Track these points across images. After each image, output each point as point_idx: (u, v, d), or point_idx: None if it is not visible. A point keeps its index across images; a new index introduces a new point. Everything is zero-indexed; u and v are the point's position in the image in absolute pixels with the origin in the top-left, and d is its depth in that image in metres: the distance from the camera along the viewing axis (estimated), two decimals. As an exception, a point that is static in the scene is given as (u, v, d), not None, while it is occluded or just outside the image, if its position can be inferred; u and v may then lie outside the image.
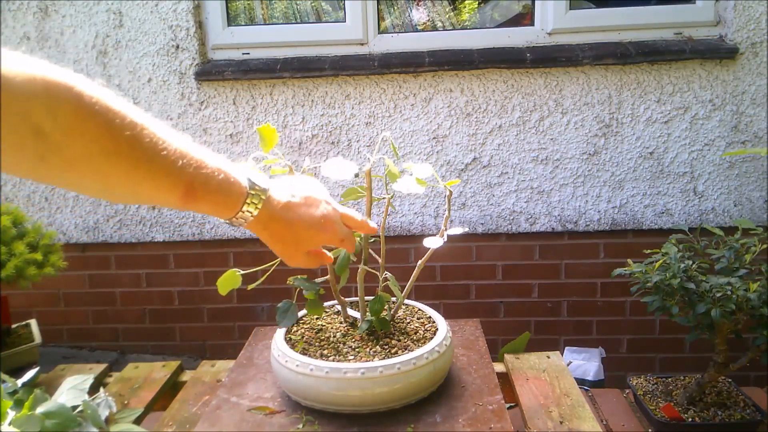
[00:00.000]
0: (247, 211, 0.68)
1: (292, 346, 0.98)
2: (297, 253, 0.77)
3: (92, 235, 2.18)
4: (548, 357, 1.32)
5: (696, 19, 1.99)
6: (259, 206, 0.69)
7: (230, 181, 0.65)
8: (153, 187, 0.58)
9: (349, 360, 0.94)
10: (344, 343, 1.00)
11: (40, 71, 0.48)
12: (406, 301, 1.14)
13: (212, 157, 0.63)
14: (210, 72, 2.02)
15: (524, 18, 2.12)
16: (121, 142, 0.54)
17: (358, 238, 1.02)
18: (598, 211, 2.06)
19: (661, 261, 1.41)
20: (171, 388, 1.33)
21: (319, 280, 1.03)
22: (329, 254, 0.84)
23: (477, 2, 2.24)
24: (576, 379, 1.27)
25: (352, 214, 0.81)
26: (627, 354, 2.18)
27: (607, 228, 2.07)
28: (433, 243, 0.93)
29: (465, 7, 2.24)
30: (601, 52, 1.94)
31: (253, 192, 0.68)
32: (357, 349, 0.97)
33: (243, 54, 2.10)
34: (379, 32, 2.07)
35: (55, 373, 1.37)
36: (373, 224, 0.85)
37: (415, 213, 2.10)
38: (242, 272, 0.94)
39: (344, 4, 2.05)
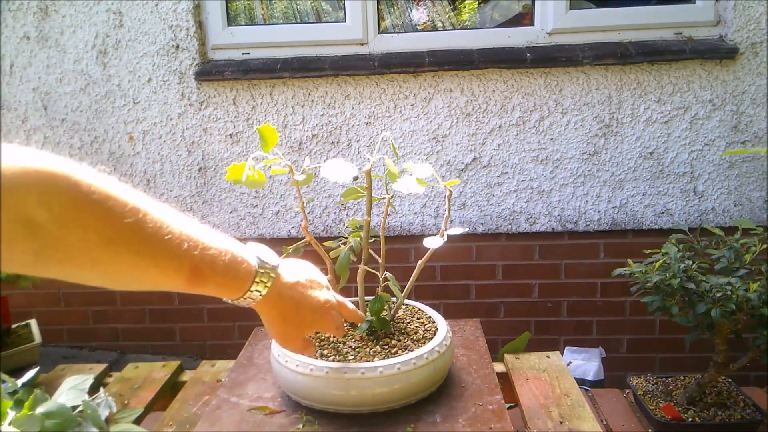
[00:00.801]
0: (256, 290, 0.68)
1: (292, 347, 0.98)
2: (297, 335, 0.78)
3: (92, 235, 2.18)
4: (548, 357, 1.32)
5: (696, 19, 1.99)
6: (269, 284, 0.69)
7: (237, 261, 0.65)
8: (157, 272, 0.57)
9: (349, 360, 0.94)
10: (344, 343, 1.00)
11: (33, 163, 0.46)
12: (406, 301, 1.14)
13: (219, 239, 0.63)
14: (210, 72, 2.02)
15: (524, 18, 2.11)
16: (122, 229, 0.52)
17: (358, 238, 1.02)
18: (598, 211, 2.06)
19: (661, 261, 1.41)
20: (171, 388, 1.33)
21: (319, 280, 1.03)
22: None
23: (477, 2, 2.24)
24: (576, 379, 1.27)
25: (346, 303, 0.86)
26: (627, 354, 2.18)
27: (607, 228, 2.07)
28: (433, 243, 0.93)
29: (465, 7, 2.24)
30: (601, 52, 1.94)
31: (262, 270, 0.68)
32: (357, 349, 0.97)
33: (243, 54, 2.10)
34: (379, 32, 2.07)
35: (55, 373, 1.37)
36: (360, 314, 0.90)
37: (415, 213, 2.10)
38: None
39: (344, 4, 2.05)
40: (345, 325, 1.08)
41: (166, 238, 0.55)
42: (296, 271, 0.76)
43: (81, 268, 0.52)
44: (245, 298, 0.68)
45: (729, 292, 1.29)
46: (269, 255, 0.70)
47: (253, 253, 0.68)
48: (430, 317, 1.09)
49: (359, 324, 1.04)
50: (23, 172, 0.45)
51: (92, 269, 0.52)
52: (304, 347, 0.81)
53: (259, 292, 0.68)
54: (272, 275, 0.69)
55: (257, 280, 0.67)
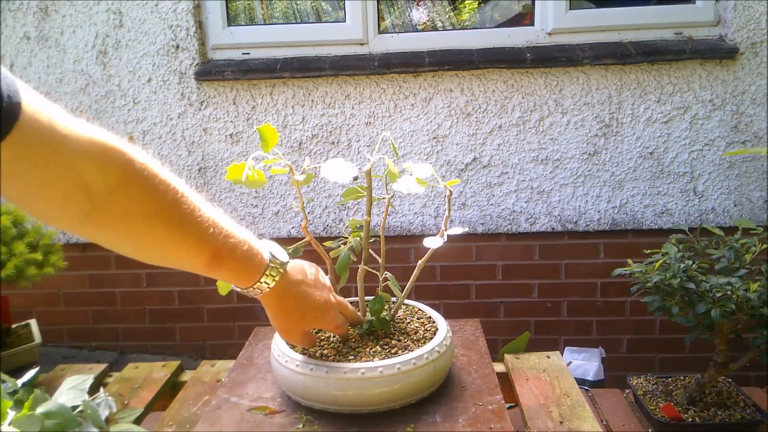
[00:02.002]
0: (265, 282, 0.73)
1: (292, 346, 0.98)
2: (297, 330, 0.83)
3: (92, 235, 2.18)
4: (548, 357, 1.32)
5: (696, 19, 1.99)
6: (277, 278, 0.74)
7: (253, 252, 0.70)
8: (183, 249, 0.63)
9: (349, 360, 0.94)
10: (344, 343, 1.00)
11: (98, 135, 0.53)
12: (406, 301, 1.14)
13: (240, 229, 0.69)
14: (210, 72, 2.02)
15: (524, 18, 2.12)
16: (163, 206, 0.58)
17: (358, 238, 1.02)
18: (598, 211, 2.06)
19: (661, 261, 1.41)
20: (171, 388, 1.33)
21: (319, 280, 1.03)
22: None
23: (477, 2, 2.24)
24: (576, 379, 1.27)
25: (348, 305, 0.91)
26: (627, 354, 2.18)
27: (607, 228, 2.07)
28: (433, 243, 0.93)
29: (465, 7, 2.24)
30: (601, 52, 1.94)
31: (272, 265, 0.73)
32: (357, 349, 0.97)
33: (243, 54, 2.10)
34: (379, 32, 2.07)
35: (55, 373, 1.36)
36: (360, 316, 0.95)
37: (415, 213, 2.10)
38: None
39: (344, 4, 2.05)
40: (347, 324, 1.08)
41: (197, 220, 0.61)
42: (302, 270, 0.81)
43: (119, 234, 0.57)
44: (254, 288, 0.73)
45: (729, 292, 1.29)
46: (280, 252, 0.76)
47: (267, 248, 0.73)
48: (430, 317, 1.09)
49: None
50: (90, 143, 0.51)
51: (129, 237, 0.58)
52: (304, 341, 0.86)
53: (267, 284, 0.73)
54: (281, 270, 0.74)
55: (267, 273, 0.72)
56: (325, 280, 0.84)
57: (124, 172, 0.54)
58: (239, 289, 0.73)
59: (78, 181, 0.51)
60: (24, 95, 0.45)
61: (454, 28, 2.17)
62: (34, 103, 0.46)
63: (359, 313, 0.94)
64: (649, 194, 2.04)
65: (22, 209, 0.53)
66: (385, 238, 1.03)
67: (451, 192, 0.98)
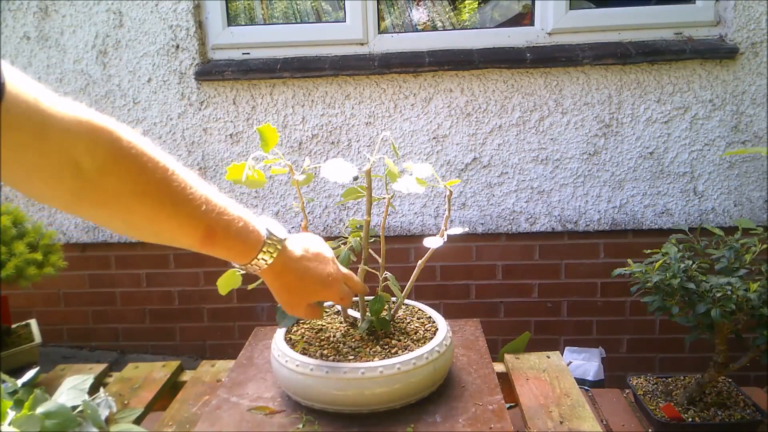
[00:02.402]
0: (262, 258, 0.72)
1: (292, 346, 0.98)
2: (300, 304, 0.82)
3: (92, 234, 2.18)
4: (548, 357, 1.32)
5: (696, 19, 1.99)
6: (275, 255, 0.73)
7: (249, 229, 0.69)
8: (176, 227, 0.62)
9: (349, 360, 0.94)
10: (344, 343, 1.00)
11: (85, 114, 0.52)
12: (406, 301, 1.14)
13: (235, 206, 0.68)
14: (210, 72, 2.02)
15: (524, 18, 2.12)
16: (152, 183, 0.58)
17: (358, 238, 1.02)
18: (598, 211, 2.06)
19: (661, 261, 1.41)
20: (171, 388, 1.33)
21: (319, 280, 1.03)
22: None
23: (477, 2, 2.24)
24: (576, 379, 1.27)
25: (353, 276, 0.89)
26: (627, 354, 2.18)
27: (607, 228, 2.07)
28: (433, 243, 0.93)
29: (465, 7, 2.24)
30: (601, 52, 1.94)
31: (270, 241, 0.72)
32: (357, 349, 0.97)
33: (243, 54, 2.10)
34: (379, 32, 2.07)
35: (55, 373, 1.36)
36: (364, 286, 0.94)
37: (415, 213, 2.10)
38: (242, 272, 0.94)
39: (344, 4, 2.05)
40: (346, 323, 1.08)
41: (189, 197, 0.61)
42: (303, 244, 0.79)
43: (111, 213, 0.57)
44: (252, 265, 0.72)
45: (729, 292, 1.29)
46: (278, 228, 0.74)
47: (264, 225, 0.72)
48: (430, 317, 1.09)
49: (359, 324, 1.04)
50: (77, 121, 0.51)
51: (120, 215, 0.58)
52: (310, 314, 0.85)
53: (265, 261, 0.72)
54: (278, 247, 0.73)
55: (264, 249, 0.71)
56: (328, 252, 0.83)
57: (111, 151, 0.54)
58: (238, 266, 0.73)
59: (67, 161, 0.51)
60: (7, 75, 0.44)
61: (454, 28, 2.17)
62: (18, 84, 0.45)
63: (363, 284, 0.93)
64: (649, 194, 2.04)
65: (15, 189, 0.52)
66: (385, 238, 1.03)
67: (451, 192, 0.98)
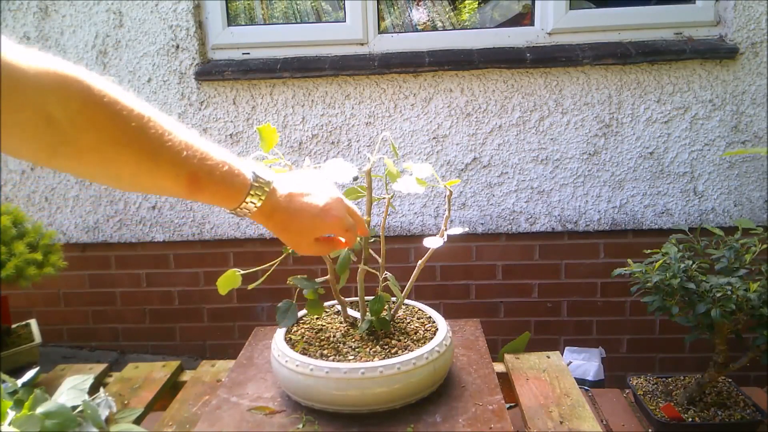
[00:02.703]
0: (251, 202, 0.70)
1: (292, 346, 0.98)
2: (304, 241, 0.79)
3: (92, 235, 2.18)
4: (548, 357, 1.32)
5: (696, 19, 1.99)
6: (263, 198, 0.71)
7: (234, 173, 0.68)
8: (158, 176, 0.61)
9: (349, 360, 0.94)
10: (344, 343, 1.00)
11: (52, 66, 0.51)
12: (406, 301, 1.14)
13: (218, 151, 0.66)
14: (210, 72, 2.02)
15: (524, 18, 2.12)
16: (128, 132, 0.56)
17: (358, 238, 1.02)
18: (598, 211, 2.06)
19: (661, 261, 1.41)
20: (171, 388, 1.33)
21: (319, 279, 1.03)
22: (342, 239, 0.84)
23: (477, 2, 2.24)
24: (576, 379, 1.27)
25: (355, 210, 0.85)
26: (627, 354, 2.18)
27: (607, 228, 2.07)
28: (433, 243, 0.93)
29: (465, 7, 2.24)
30: (601, 52, 1.94)
31: (256, 184, 0.70)
32: (357, 349, 0.97)
33: (243, 54, 2.10)
34: (379, 32, 2.07)
35: (55, 373, 1.37)
36: (366, 229, 0.89)
37: (415, 213, 2.10)
38: (242, 272, 0.94)
39: (344, 4, 2.05)
40: (346, 323, 1.08)
41: (167, 144, 0.59)
42: (292, 183, 0.77)
43: (90, 165, 0.56)
44: (241, 209, 0.71)
45: (729, 292, 1.29)
46: (265, 171, 0.73)
47: (250, 168, 0.71)
48: (430, 317, 1.09)
49: (359, 324, 1.04)
50: (45, 73, 0.50)
51: (100, 167, 0.57)
52: (318, 249, 0.82)
53: (254, 203, 0.71)
54: (266, 189, 0.71)
55: (251, 192, 0.70)
56: (325, 183, 0.80)
57: (83, 101, 0.53)
58: (228, 211, 0.72)
59: (39, 114, 0.50)
60: None
61: (454, 28, 2.17)
62: None
63: (365, 224, 0.89)
64: (649, 194, 2.04)
65: None
66: (385, 238, 1.03)
67: (451, 192, 0.98)
